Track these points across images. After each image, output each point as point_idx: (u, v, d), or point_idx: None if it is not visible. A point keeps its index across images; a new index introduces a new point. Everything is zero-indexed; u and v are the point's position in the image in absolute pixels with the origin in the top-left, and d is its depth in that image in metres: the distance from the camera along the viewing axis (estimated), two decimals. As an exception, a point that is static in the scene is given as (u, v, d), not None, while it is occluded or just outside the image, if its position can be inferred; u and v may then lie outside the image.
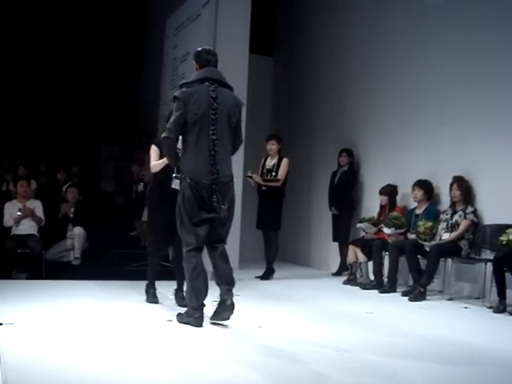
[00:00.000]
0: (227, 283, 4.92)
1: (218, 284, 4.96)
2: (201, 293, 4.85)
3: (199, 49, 5.15)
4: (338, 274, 8.44)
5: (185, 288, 5.16)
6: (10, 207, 8.56)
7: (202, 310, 4.87)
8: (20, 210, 8.37)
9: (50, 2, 13.52)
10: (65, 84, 13.68)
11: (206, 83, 4.91)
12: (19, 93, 13.33)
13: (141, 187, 10.29)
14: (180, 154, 4.97)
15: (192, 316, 4.82)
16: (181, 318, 4.94)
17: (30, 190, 8.92)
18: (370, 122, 8.67)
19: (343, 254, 8.32)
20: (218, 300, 4.92)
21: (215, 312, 4.90)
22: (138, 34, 14.37)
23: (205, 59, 5.05)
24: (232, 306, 4.88)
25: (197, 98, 4.82)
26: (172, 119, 4.87)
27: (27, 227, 8.37)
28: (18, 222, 8.37)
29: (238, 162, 8.89)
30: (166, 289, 6.17)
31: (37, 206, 8.56)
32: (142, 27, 14.45)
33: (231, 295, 4.91)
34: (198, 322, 4.80)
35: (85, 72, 13.74)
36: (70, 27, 13.63)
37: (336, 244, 8.66)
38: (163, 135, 4.91)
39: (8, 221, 8.48)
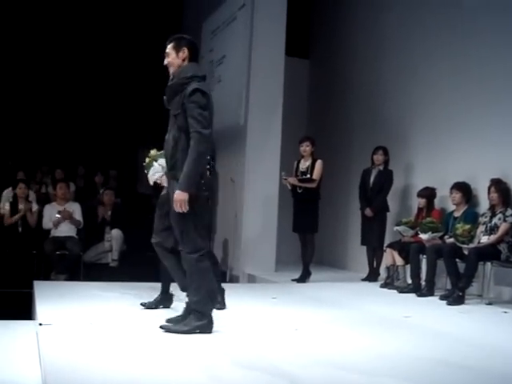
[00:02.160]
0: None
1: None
2: (217, 296, 4.75)
3: (190, 38, 4.79)
4: (372, 280, 8.10)
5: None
6: (50, 209, 8.71)
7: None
8: (59, 213, 8.49)
9: (91, 4, 13.69)
10: (102, 88, 13.83)
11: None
12: (58, 97, 13.52)
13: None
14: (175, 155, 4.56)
15: (202, 320, 4.55)
16: (186, 325, 4.57)
17: (68, 193, 9.07)
18: (409, 124, 8.59)
19: (378, 259, 8.15)
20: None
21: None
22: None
23: (197, 52, 4.80)
24: None
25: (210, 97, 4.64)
26: (205, 114, 4.44)
27: (66, 229, 8.50)
28: (56, 225, 8.50)
29: (274, 164, 8.96)
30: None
31: (75, 209, 8.69)
32: (177, 31, 14.49)
33: None
34: (211, 328, 4.60)
35: (121, 75, 13.86)
36: (108, 32, 13.77)
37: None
38: (205, 131, 4.39)
39: (47, 223, 8.63)
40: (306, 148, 8.05)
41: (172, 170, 4.56)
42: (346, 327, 5.22)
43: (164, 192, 4.60)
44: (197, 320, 4.55)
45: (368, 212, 8.12)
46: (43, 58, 13.41)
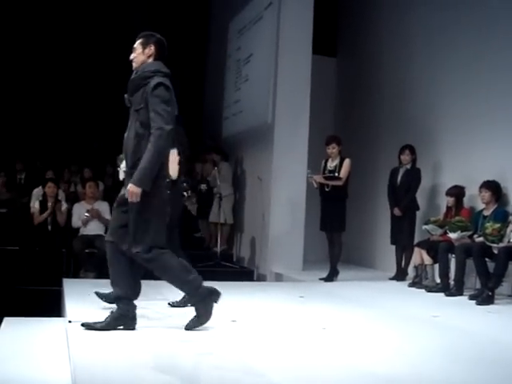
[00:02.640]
0: None
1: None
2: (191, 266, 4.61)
3: (160, 36, 4.67)
4: (400, 279, 8.04)
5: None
6: (79, 208, 8.80)
7: None
8: (88, 212, 8.58)
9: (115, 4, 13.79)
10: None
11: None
12: (86, 97, 13.64)
13: (204, 187, 10.42)
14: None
15: (205, 299, 4.51)
16: (201, 316, 4.53)
17: (98, 192, 9.15)
18: (436, 121, 8.52)
19: (407, 258, 8.09)
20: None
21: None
22: (202, 36, 14.52)
23: (164, 52, 4.67)
24: None
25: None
26: (169, 110, 4.39)
27: (95, 228, 8.58)
28: (85, 223, 8.58)
29: (301, 162, 8.94)
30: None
31: (104, 208, 8.76)
32: (205, 30, 14.59)
33: None
34: (217, 295, 4.56)
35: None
36: (137, 31, 13.86)
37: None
38: (168, 127, 4.32)
39: (76, 222, 8.72)
40: (332, 150, 8.01)
41: (134, 168, 4.42)
42: (373, 327, 5.20)
43: (122, 192, 4.50)
44: (203, 304, 4.52)
45: (396, 211, 8.06)
46: (70, 58, 13.54)
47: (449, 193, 7.55)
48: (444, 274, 7.15)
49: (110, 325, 4.48)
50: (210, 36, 14.57)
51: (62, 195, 9.34)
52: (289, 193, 9.07)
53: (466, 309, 6.23)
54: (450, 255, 7.19)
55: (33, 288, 7.77)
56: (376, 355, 4.18)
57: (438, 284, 7.26)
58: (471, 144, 7.84)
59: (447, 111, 8.33)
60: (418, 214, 8.15)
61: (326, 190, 7.96)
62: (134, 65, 4.61)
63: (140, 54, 4.57)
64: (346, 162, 7.95)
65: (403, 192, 8.10)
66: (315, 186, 8.04)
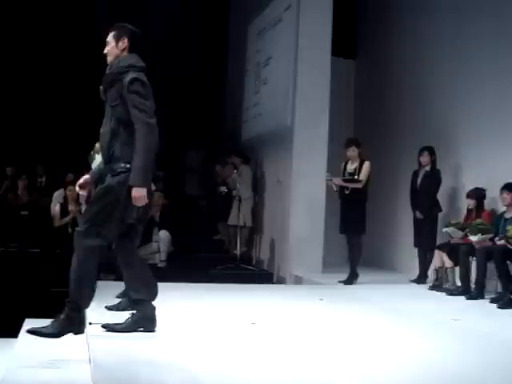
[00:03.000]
0: None
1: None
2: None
3: (132, 27, 4.52)
4: (420, 282, 7.99)
5: None
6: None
7: None
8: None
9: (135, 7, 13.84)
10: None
11: None
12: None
13: (224, 189, 10.45)
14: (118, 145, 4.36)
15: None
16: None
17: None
18: (456, 123, 8.45)
19: (428, 261, 8.05)
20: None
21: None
22: (222, 38, 14.54)
23: (138, 43, 4.50)
24: None
25: None
26: (148, 104, 4.33)
27: (115, 230, 8.61)
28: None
29: (321, 165, 8.93)
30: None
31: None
32: (224, 32, 14.61)
33: None
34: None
35: (169, 77, 13.99)
36: (157, 35, 13.91)
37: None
38: (152, 121, 4.30)
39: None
40: (352, 153, 7.99)
41: (108, 163, 4.36)
42: (393, 330, 5.18)
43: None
44: (68, 314, 4.41)
45: (418, 215, 8.04)
46: (89, 62, 13.60)
47: (469, 195, 7.49)
48: (465, 277, 7.09)
49: (130, 327, 4.48)
50: (229, 38, 14.60)
51: (82, 198, 9.39)
52: (308, 195, 9.06)
53: (487, 312, 6.18)
54: (470, 258, 7.13)
55: (53, 290, 7.81)
56: (397, 358, 4.15)
57: (458, 287, 7.20)
58: (492, 146, 7.77)
59: (468, 112, 8.27)
60: (439, 216, 8.10)
61: (346, 192, 7.94)
62: (109, 59, 4.47)
63: (113, 48, 4.44)
64: (366, 164, 7.93)
65: (423, 195, 8.06)
66: (334, 188, 8.02)
